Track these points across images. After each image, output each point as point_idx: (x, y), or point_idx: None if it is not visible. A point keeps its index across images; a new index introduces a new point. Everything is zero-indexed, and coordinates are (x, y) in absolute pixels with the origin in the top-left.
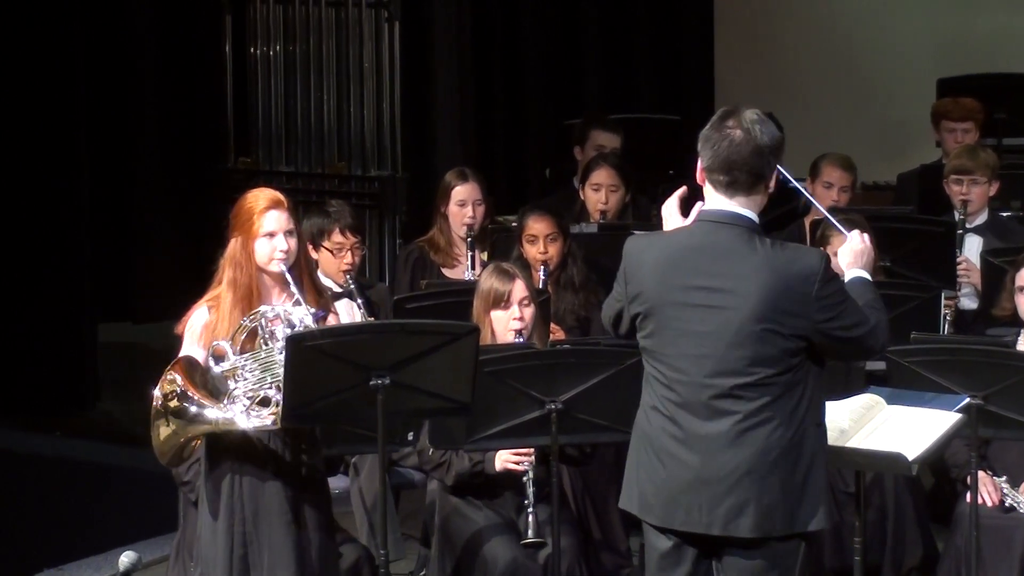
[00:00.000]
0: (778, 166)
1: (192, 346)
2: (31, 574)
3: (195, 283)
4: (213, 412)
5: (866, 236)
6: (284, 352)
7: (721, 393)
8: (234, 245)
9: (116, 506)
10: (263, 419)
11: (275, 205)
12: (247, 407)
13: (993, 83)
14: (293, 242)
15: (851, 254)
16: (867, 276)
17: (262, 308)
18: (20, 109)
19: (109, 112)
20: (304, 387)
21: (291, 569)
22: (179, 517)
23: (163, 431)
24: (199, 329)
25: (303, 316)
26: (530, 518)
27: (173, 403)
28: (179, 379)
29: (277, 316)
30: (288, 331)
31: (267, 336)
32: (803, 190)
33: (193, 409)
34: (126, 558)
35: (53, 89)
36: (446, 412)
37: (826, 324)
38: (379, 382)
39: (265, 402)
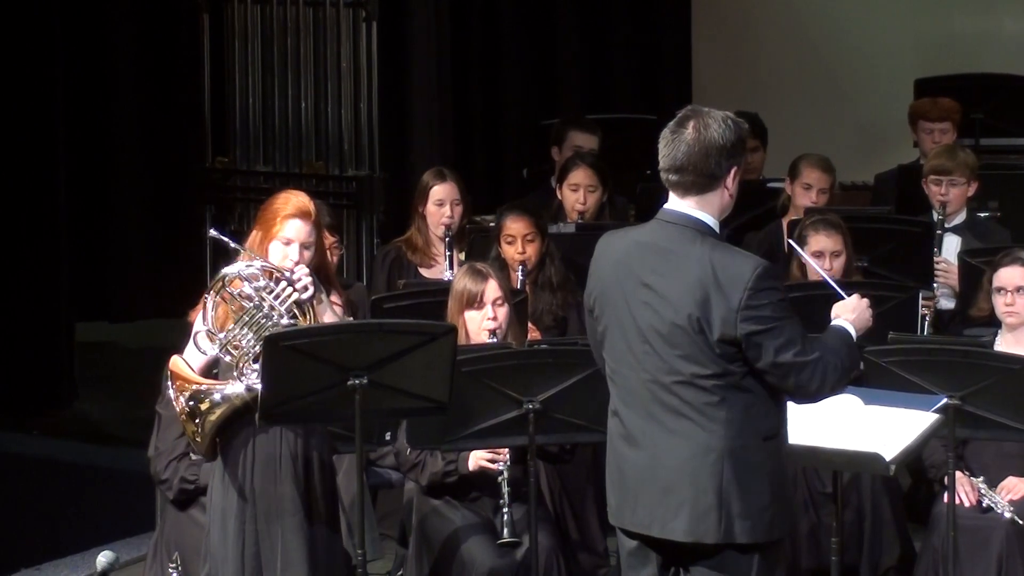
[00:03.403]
0: (795, 246)
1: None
2: (8, 574)
3: (171, 283)
4: (232, 388)
5: (865, 301)
6: (261, 350)
7: (659, 391)
8: (253, 237)
9: (93, 505)
10: None
11: (300, 215)
12: (258, 375)
13: (970, 83)
14: (308, 255)
15: (844, 308)
16: (850, 329)
17: (216, 277)
18: None
19: (87, 111)
20: (281, 386)
21: (303, 567)
22: (156, 516)
23: (190, 428)
24: None
25: (249, 267)
26: (505, 518)
27: (202, 403)
28: (185, 385)
29: (235, 278)
30: (254, 286)
31: (238, 299)
32: (808, 258)
33: (216, 396)
34: (103, 558)
35: (31, 87)
36: (423, 412)
37: (753, 337)
38: (356, 382)
39: None
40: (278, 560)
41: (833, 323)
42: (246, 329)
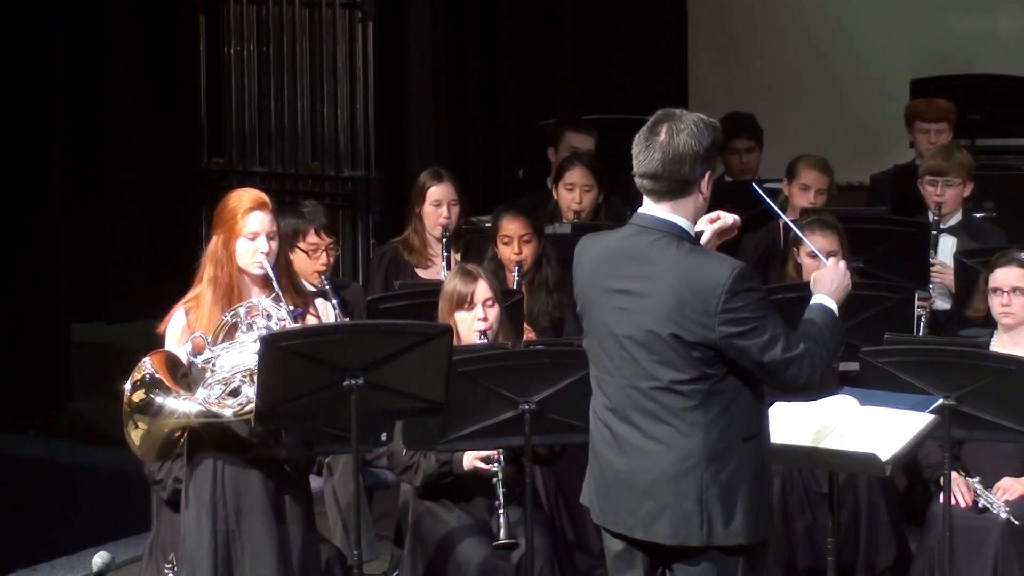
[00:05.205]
0: (763, 195)
1: (174, 348)
2: (4, 574)
3: (168, 284)
4: (178, 403)
5: (843, 265)
6: (258, 352)
7: (638, 397)
8: (215, 243)
9: (89, 506)
10: (224, 409)
11: (259, 206)
12: (217, 397)
13: (966, 84)
14: (275, 245)
15: (823, 280)
16: (831, 304)
17: (241, 305)
18: None
19: (83, 111)
20: (278, 387)
21: (272, 566)
22: (152, 517)
23: (134, 434)
24: (179, 333)
25: (281, 312)
26: (500, 519)
27: (138, 395)
28: (152, 365)
29: (254, 308)
30: (267, 323)
31: (245, 330)
32: (784, 217)
33: (158, 400)
34: (99, 558)
35: (27, 88)
36: (419, 412)
37: (733, 340)
38: (352, 382)
39: (235, 393)
40: (247, 561)
41: (813, 301)
42: (235, 352)
